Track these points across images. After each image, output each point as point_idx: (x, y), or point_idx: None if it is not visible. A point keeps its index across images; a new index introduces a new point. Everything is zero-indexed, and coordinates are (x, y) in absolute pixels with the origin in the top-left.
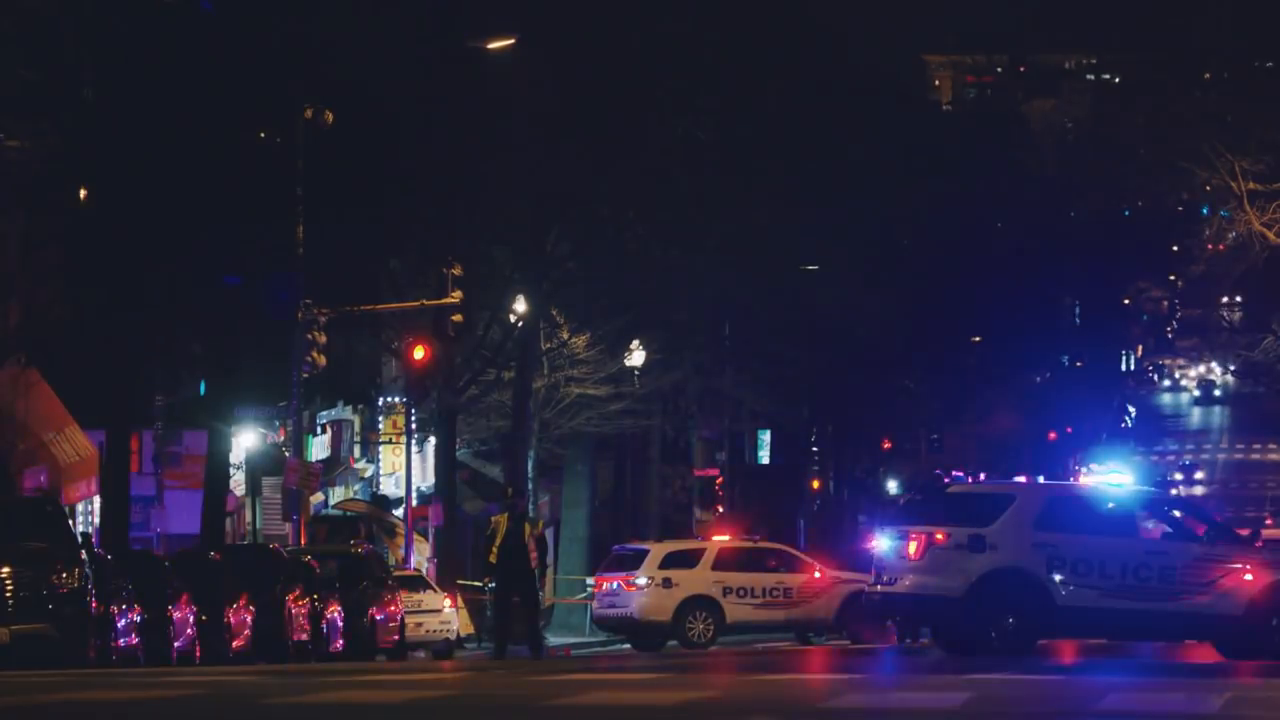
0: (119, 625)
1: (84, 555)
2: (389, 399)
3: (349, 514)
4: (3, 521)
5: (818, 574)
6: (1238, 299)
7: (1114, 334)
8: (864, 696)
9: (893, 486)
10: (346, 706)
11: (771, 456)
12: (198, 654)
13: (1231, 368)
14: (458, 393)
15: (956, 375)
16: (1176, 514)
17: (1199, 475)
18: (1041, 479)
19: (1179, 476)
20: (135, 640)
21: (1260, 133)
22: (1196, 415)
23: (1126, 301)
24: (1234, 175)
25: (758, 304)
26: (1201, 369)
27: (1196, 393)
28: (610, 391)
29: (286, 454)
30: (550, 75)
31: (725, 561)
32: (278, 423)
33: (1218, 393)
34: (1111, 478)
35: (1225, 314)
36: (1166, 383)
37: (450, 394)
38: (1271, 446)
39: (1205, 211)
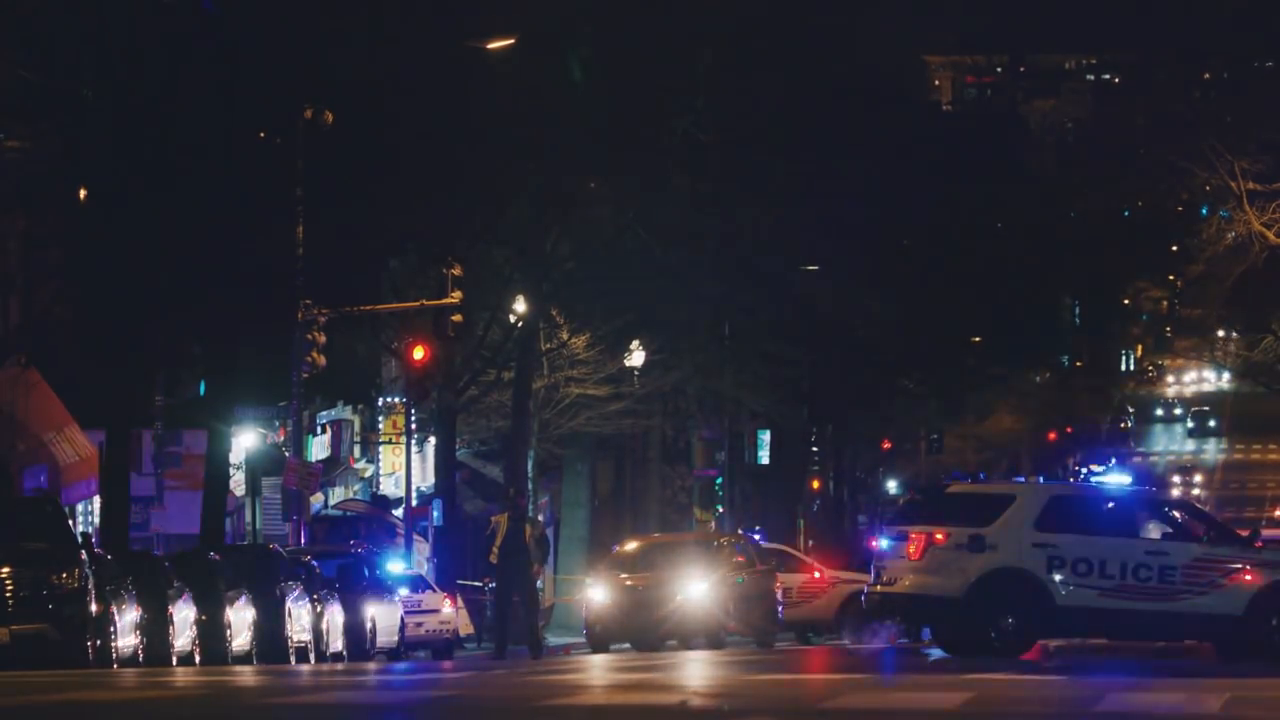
0: (119, 625)
1: (84, 555)
2: (389, 399)
3: (349, 514)
4: (3, 521)
5: (818, 574)
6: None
7: (1114, 334)
8: (864, 696)
9: (893, 486)
10: (346, 706)
11: (771, 456)
12: (198, 654)
13: (1227, 374)
14: (457, 393)
15: (956, 375)
16: (1176, 514)
17: (1197, 478)
18: (1041, 479)
19: (1177, 479)
20: (135, 640)
21: (1260, 133)
22: (1190, 447)
23: (1126, 302)
24: (1234, 175)
25: (758, 304)
26: (1194, 374)
27: (1190, 424)
28: (610, 392)
29: (286, 454)
30: (550, 75)
31: None
32: (278, 423)
33: (1212, 423)
34: (1111, 478)
35: (1223, 315)
36: (1159, 412)
37: (450, 394)
38: (1272, 447)
39: (1205, 212)
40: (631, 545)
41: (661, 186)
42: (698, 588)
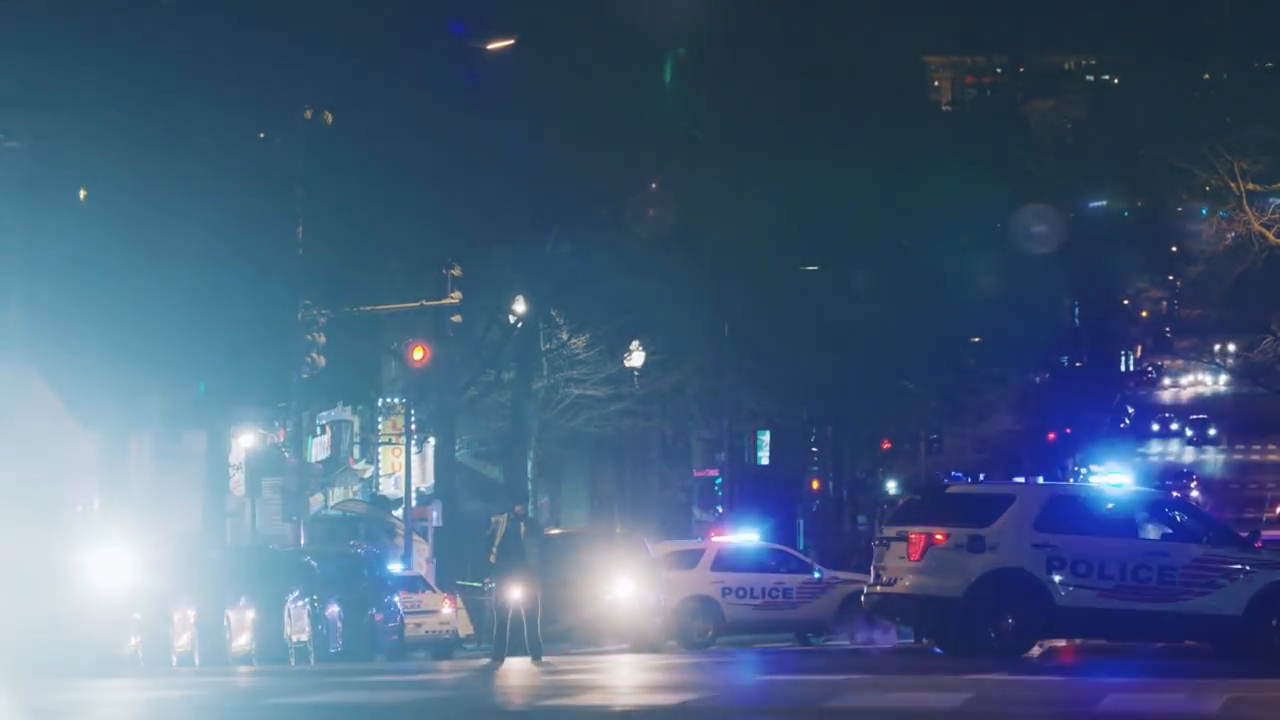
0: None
1: None
2: (389, 399)
3: (349, 514)
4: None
5: (817, 574)
6: (1236, 300)
7: (1114, 334)
8: (864, 696)
9: (892, 487)
10: (346, 706)
11: (771, 457)
12: (197, 655)
13: (1225, 376)
14: (457, 393)
15: (956, 375)
16: (1176, 514)
17: (1194, 481)
18: (1041, 479)
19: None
20: (134, 641)
21: (1260, 133)
22: (1189, 455)
23: (1126, 302)
24: (1233, 175)
25: (758, 304)
26: (1192, 376)
27: (1190, 432)
28: (610, 392)
29: (286, 455)
30: (550, 75)
31: (725, 561)
32: (278, 423)
33: (1212, 431)
34: (1111, 478)
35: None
36: (1155, 427)
37: (450, 395)
38: (1271, 448)
39: (1205, 212)
40: (553, 532)
41: (661, 186)
42: (626, 586)
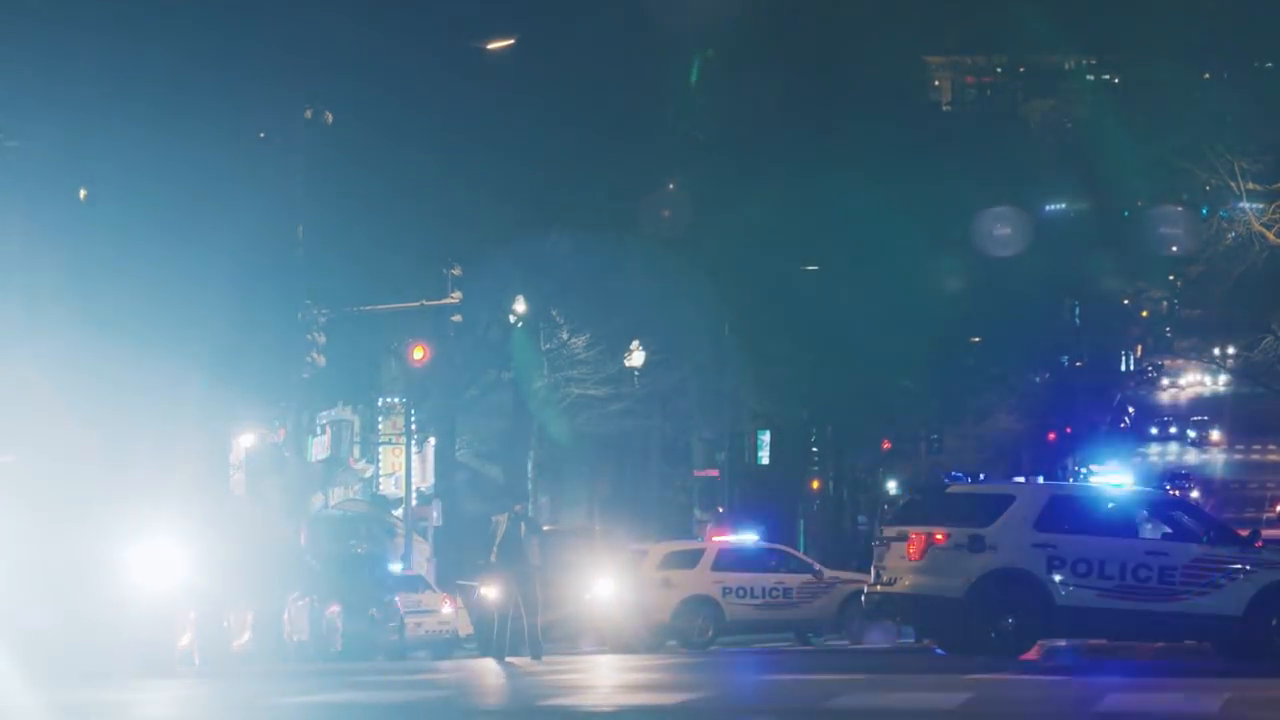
0: None
1: None
2: (389, 399)
3: (349, 514)
4: None
5: (818, 574)
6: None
7: (1114, 334)
8: (864, 696)
9: (893, 486)
10: (346, 706)
11: (771, 456)
12: (196, 655)
13: (1225, 376)
14: (457, 393)
15: (956, 375)
16: (1176, 514)
17: (1193, 481)
18: (1041, 479)
19: (1176, 480)
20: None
21: (1260, 133)
22: (1191, 456)
23: (1126, 302)
24: (1233, 175)
25: (758, 304)
26: (1192, 376)
27: (1191, 434)
28: (610, 392)
29: (286, 454)
30: (551, 75)
31: (725, 561)
32: (278, 423)
33: (1215, 434)
34: (1112, 478)
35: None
36: (1154, 430)
37: (450, 395)
38: (1271, 448)
39: (1205, 212)
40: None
41: (662, 186)
42: (605, 585)
